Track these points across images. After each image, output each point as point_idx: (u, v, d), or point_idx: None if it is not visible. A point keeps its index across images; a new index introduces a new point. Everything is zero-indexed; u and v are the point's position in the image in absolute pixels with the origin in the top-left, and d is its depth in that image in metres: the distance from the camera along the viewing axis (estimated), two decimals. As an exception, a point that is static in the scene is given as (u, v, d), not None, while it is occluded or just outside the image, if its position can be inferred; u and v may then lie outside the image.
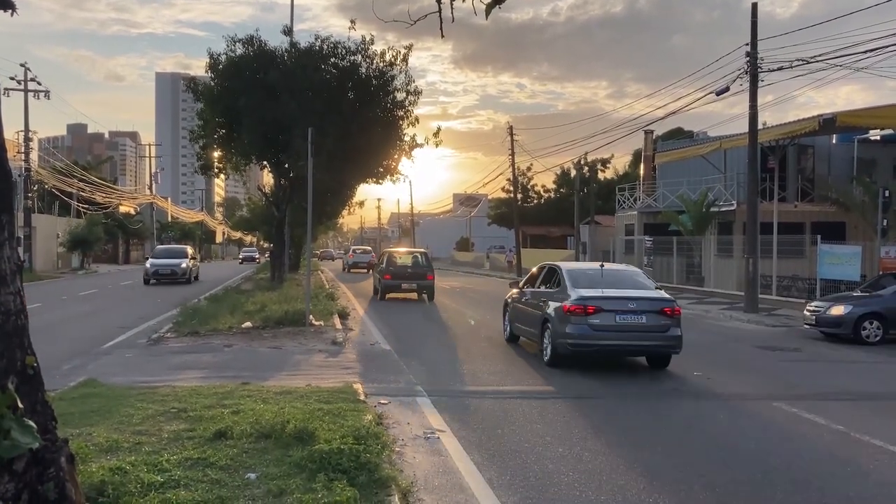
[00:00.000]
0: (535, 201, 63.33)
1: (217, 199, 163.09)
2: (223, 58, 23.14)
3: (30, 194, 41.87)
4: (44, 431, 2.88)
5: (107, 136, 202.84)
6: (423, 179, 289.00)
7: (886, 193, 21.77)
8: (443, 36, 4.49)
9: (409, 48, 23.22)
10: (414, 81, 23.36)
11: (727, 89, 21.44)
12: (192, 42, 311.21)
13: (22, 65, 41.34)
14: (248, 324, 15.14)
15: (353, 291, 29.50)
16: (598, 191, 50.15)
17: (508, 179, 50.66)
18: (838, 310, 15.51)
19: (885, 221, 21.79)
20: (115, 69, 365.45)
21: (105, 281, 35.93)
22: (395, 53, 22.95)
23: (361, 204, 37.11)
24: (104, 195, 56.13)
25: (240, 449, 5.93)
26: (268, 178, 32.33)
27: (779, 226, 24.21)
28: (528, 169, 58.25)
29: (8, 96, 42.27)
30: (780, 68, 20.55)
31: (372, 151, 23.13)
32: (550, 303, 11.92)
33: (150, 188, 77.25)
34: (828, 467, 6.53)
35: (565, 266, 13.05)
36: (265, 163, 25.88)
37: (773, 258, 23.79)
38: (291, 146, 21.41)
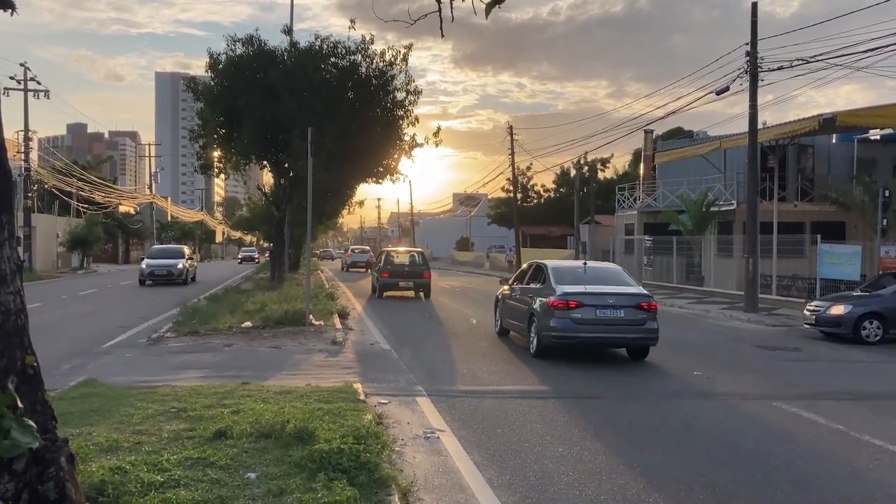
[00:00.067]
0: (535, 201, 63.34)
1: (217, 198, 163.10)
2: (223, 57, 23.15)
3: (29, 194, 41.87)
4: (44, 431, 2.88)
5: (106, 135, 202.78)
6: (423, 179, 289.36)
7: (886, 193, 21.77)
8: (443, 35, 4.49)
9: (409, 48, 23.24)
10: (414, 81, 23.39)
11: (727, 89, 21.44)
12: (192, 42, 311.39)
13: (22, 64, 41.38)
14: (247, 323, 15.14)
15: (352, 290, 29.66)
16: (597, 190, 50.17)
17: (508, 179, 50.69)
18: (838, 309, 15.51)
19: (885, 221, 21.79)
20: (114, 69, 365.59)
21: (105, 280, 35.93)
22: (394, 53, 22.96)
23: (361, 203, 37.10)
24: (104, 195, 56.13)
25: (240, 448, 5.93)
26: (267, 178, 32.34)
27: (779, 225, 24.21)
28: (528, 168, 58.36)
29: (8, 96, 42.34)
30: (780, 68, 20.55)
31: (372, 151, 23.13)
32: (537, 298, 12.68)
33: (150, 188, 77.28)
34: (827, 467, 6.53)
35: (551, 264, 13.79)
36: (265, 162, 25.88)
37: (772, 258, 23.79)
38: (291, 146, 21.41)
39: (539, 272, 13.58)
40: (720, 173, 29.81)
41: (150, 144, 78.15)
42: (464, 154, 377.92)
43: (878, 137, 29.94)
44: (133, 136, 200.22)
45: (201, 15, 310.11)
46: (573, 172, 50.35)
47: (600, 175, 58.28)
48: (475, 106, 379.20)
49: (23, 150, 40.71)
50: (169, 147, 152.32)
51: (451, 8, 4.22)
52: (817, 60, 19.51)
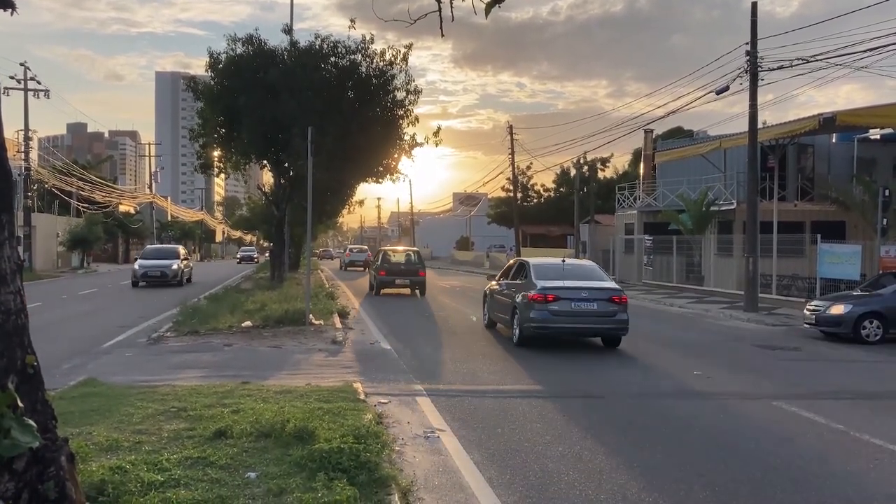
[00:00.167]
0: (535, 200, 63.32)
1: (217, 198, 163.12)
2: (223, 57, 23.15)
3: (30, 193, 41.87)
4: (44, 430, 2.88)
5: (106, 135, 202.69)
6: (423, 178, 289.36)
7: (886, 192, 21.76)
8: (443, 35, 4.49)
9: (409, 47, 23.24)
10: (414, 80, 23.41)
11: (727, 88, 21.44)
12: (192, 41, 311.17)
13: (22, 64, 41.39)
14: (247, 323, 15.15)
15: (350, 289, 29.94)
16: (597, 190, 50.14)
17: (508, 178, 50.69)
18: (838, 309, 15.51)
19: (885, 220, 21.79)
20: (114, 68, 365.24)
21: (105, 280, 35.92)
22: (394, 52, 22.97)
23: (361, 203, 37.09)
24: (104, 194, 56.13)
25: (240, 448, 5.93)
26: (267, 178, 32.35)
27: (779, 225, 24.22)
28: (528, 168, 58.33)
29: (8, 95, 42.39)
30: (780, 67, 20.55)
31: (372, 150, 23.14)
32: (519, 293, 13.82)
33: (150, 187, 77.30)
34: (827, 466, 6.53)
35: (533, 261, 15.02)
36: (265, 162, 25.89)
37: (772, 257, 23.80)
38: (291, 145, 21.41)
39: (522, 269, 14.70)
40: (720, 173, 29.81)
41: (150, 144, 78.19)
42: (464, 153, 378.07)
43: (878, 137, 29.95)
44: (133, 135, 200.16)
45: (201, 14, 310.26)
46: (573, 172, 50.33)
47: (600, 174, 58.27)
48: (475, 105, 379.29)
49: (23, 149, 40.71)
50: (169, 147, 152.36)
51: (451, 7, 4.22)
52: (817, 60, 19.52)
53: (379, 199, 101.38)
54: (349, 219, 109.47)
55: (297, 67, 22.12)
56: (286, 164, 24.26)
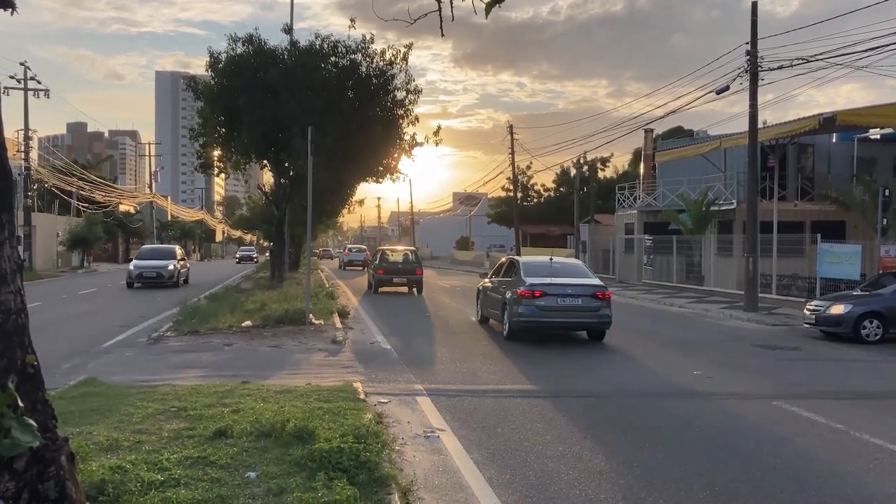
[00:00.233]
0: (535, 200, 63.31)
1: (217, 197, 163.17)
2: (223, 56, 23.16)
3: (30, 193, 41.86)
4: (44, 430, 2.88)
5: (106, 134, 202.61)
6: (423, 178, 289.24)
7: (886, 192, 21.76)
8: (443, 35, 4.49)
9: (409, 47, 23.24)
10: (414, 80, 23.41)
11: (727, 88, 21.43)
12: (192, 41, 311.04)
13: (22, 63, 41.35)
14: (248, 323, 15.15)
15: (349, 288, 30.19)
16: (597, 190, 50.12)
17: (508, 178, 50.67)
18: (838, 309, 15.51)
19: (885, 220, 21.79)
20: (114, 68, 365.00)
21: (105, 280, 35.92)
22: (395, 52, 22.97)
23: (361, 203, 37.16)
24: (104, 194, 56.12)
25: (240, 448, 5.93)
26: (268, 177, 32.34)
27: (779, 225, 24.21)
28: (528, 168, 58.32)
29: (8, 95, 42.40)
30: (781, 67, 20.54)
31: (372, 150, 23.13)
32: (509, 289, 14.58)
33: (150, 187, 77.31)
34: (827, 466, 6.53)
35: (522, 259, 16.02)
36: (265, 161, 25.89)
37: (773, 257, 23.80)
38: (291, 145, 21.41)
39: (512, 266, 15.50)
40: (720, 172, 29.81)
41: (150, 143, 78.20)
42: (464, 153, 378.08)
43: (878, 137, 29.93)
44: (133, 135, 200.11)
45: (201, 14, 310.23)
46: (573, 172, 50.32)
47: (600, 174, 58.27)
48: (475, 105, 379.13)
49: (23, 149, 40.71)
50: (169, 146, 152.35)
51: (451, 7, 4.22)
52: (817, 60, 19.50)
53: (379, 198, 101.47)
54: (349, 218, 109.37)
55: (297, 67, 22.12)
56: (286, 164, 24.25)
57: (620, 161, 61.84)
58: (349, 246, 70.11)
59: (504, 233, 66.06)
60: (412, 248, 34.16)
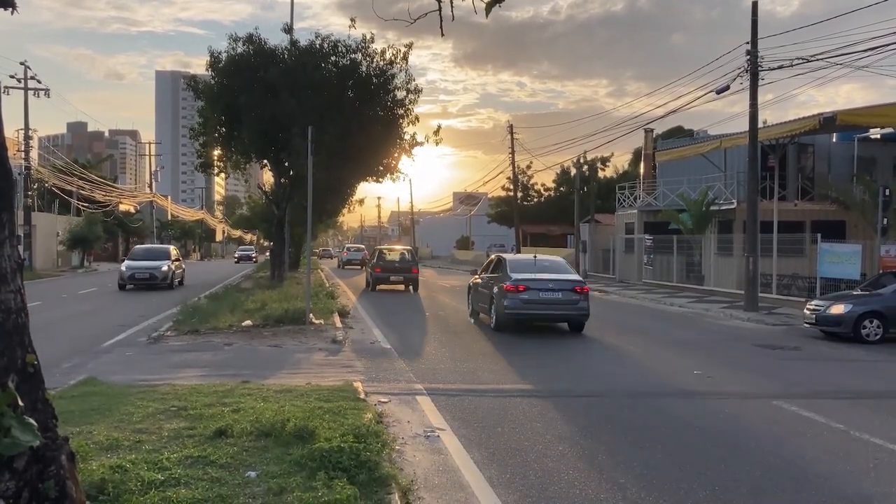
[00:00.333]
0: (536, 200, 63.30)
1: (217, 197, 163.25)
2: (223, 56, 23.17)
3: (30, 192, 41.86)
4: (44, 429, 2.88)
5: (107, 134, 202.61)
6: (424, 178, 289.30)
7: (886, 192, 21.75)
8: (443, 34, 4.49)
9: (409, 46, 23.25)
10: (414, 80, 23.44)
11: (727, 88, 21.42)
12: (192, 40, 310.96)
13: (22, 63, 41.33)
14: (248, 322, 15.15)
15: (348, 286, 30.43)
16: (598, 189, 50.13)
17: (508, 178, 50.64)
18: (838, 308, 15.51)
19: (885, 220, 21.78)
20: (114, 67, 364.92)
21: (105, 279, 35.90)
22: (395, 52, 22.97)
23: (361, 202, 37.21)
24: (104, 193, 56.10)
25: (240, 447, 5.93)
26: (268, 177, 32.32)
27: (779, 224, 24.21)
28: (528, 167, 58.29)
29: (8, 94, 42.32)
30: (781, 67, 20.53)
31: (372, 150, 23.14)
32: (496, 284, 15.81)
33: (150, 186, 77.27)
34: (827, 466, 6.53)
35: (508, 257, 17.61)
36: (265, 161, 25.89)
37: (773, 257, 23.79)
38: (291, 144, 21.41)
39: (500, 263, 16.72)
40: (720, 172, 29.80)
41: (150, 143, 78.18)
42: (464, 153, 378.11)
43: (878, 136, 29.93)
44: (133, 134, 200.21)
45: (201, 13, 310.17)
46: (573, 171, 50.27)
47: (600, 174, 58.25)
48: (475, 105, 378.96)
49: (23, 148, 40.71)
50: (169, 146, 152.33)
51: (452, 7, 4.22)
52: (817, 59, 19.49)
53: (379, 198, 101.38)
54: (349, 218, 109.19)
55: (297, 67, 22.13)
56: (286, 164, 24.25)
57: (620, 161, 61.91)
58: (348, 245, 71.29)
59: (504, 232, 66.04)
60: (408, 247, 35.15)
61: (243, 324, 15.00)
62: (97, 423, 6.71)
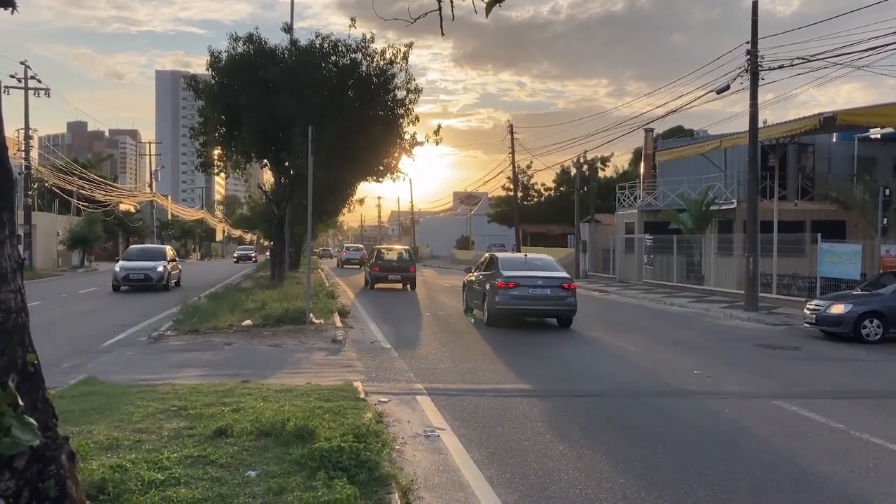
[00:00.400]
0: (536, 199, 63.30)
1: (217, 196, 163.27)
2: (224, 55, 23.15)
3: (30, 192, 41.85)
4: (44, 429, 2.88)
5: (107, 133, 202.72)
6: (424, 177, 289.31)
7: (887, 192, 21.76)
8: (443, 34, 4.49)
9: (410, 46, 23.22)
10: (414, 79, 23.41)
11: (728, 87, 21.41)
12: (192, 40, 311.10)
13: (22, 63, 41.29)
14: (248, 322, 15.14)
15: (348, 285, 30.64)
16: (598, 189, 50.11)
17: (508, 178, 50.64)
18: (838, 308, 15.51)
19: (886, 220, 21.78)
20: (115, 67, 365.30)
21: (105, 279, 35.77)
22: (395, 51, 22.95)
23: (361, 202, 37.11)
24: (104, 193, 56.10)
25: (240, 447, 5.93)
26: (268, 176, 32.29)
27: (779, 224, 24.20)
28: (529, 167, 58.30)
29: (8, 94, 42.37)
30: (781, 66, 20.52)
31: (372, 149, 23.12)
32: (488, 281, 16.61)
33: (151, 186, 77.28)
34: (827, 466, 6.53)
35: (501, 256, 18.44)
36: (265, 160, 25.86)
37: (773, 256, 23.79)
38: (291, 144, 21.41)
39: (492, 262, 17.46)
40: (720, 172, 29.79)
41: (150, 143, 78.23)
42: (464, 153, 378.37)
43: (878, 136, 29.91)
44: (133, 134, 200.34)
45: (201, 13, 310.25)
46: (573, 171, 50.25)
47: (600, 174, 58.24)
48: (475, 104, 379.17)
49: (23, 148, 40.69)
50: (169, 145, 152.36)
51: (452, 6, 4.22)
52: (818, 59, 19.49)
53: (379, 197, 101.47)
54: (349, 218, 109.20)
55: (297, 66, 22.11)
56: (286, 163, 24.25)
57: (621, 160, 61.92)
58: (347, 245, 72.68)
59: (504, 232, 66.03)
60: (406, 247, 35.85)
61: (243, 323, 15.00)
62: (97, 422, 6.71)
